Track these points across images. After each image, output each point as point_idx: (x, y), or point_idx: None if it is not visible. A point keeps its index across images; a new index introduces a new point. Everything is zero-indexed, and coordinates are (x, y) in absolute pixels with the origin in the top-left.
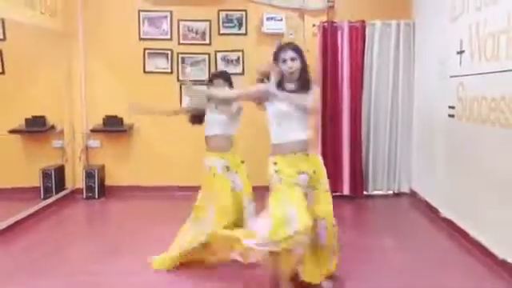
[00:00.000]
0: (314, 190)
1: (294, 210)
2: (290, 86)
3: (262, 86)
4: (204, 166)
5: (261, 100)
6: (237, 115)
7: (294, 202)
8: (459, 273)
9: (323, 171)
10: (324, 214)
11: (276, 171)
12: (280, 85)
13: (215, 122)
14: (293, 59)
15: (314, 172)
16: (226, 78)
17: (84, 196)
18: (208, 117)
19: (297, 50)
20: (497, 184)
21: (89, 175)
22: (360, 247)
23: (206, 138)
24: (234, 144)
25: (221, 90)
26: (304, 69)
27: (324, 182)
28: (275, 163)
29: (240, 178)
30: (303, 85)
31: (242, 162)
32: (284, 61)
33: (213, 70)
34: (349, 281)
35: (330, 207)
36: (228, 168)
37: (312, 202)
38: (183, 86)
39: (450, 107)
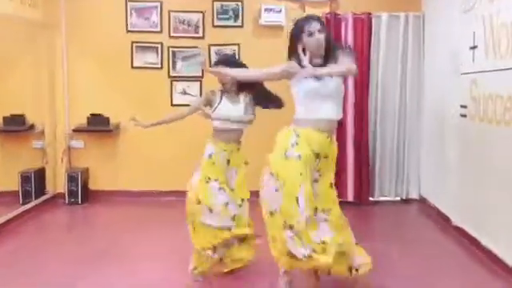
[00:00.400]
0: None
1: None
2: (317, 61)
3: (286, 64)
4: (204, 152)
5: (288, 77)
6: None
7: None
8: (469, 283)
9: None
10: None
11: (296, 143)
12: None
13: (229, 115)
14: (320, 31)
15: (326, 157)
16: (231, 63)
17: (66, 201)
18: (222, 109)
19: (321, 21)
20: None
21: (71, 179)
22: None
23: (216, 128)
24: (241, 141)
25: (241, 71)
26: (329, 42)
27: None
28: (298, 135)
29: (236, 177)
30: (330, 57)
31: (246, 163)
32: (310, 34)
33: (207, 65)
34: None
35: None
36: (228, 162)
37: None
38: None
39: (462, 106)
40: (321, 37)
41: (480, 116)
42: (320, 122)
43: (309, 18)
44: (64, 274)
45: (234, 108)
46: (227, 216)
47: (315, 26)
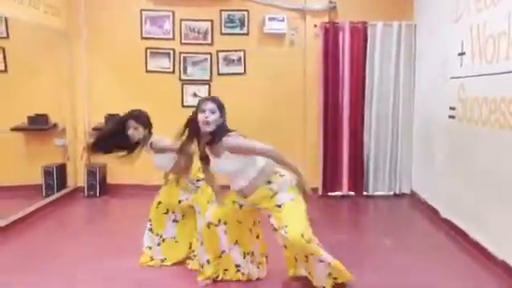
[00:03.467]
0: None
1: None
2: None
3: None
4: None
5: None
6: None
7: None
8: (458, 273)
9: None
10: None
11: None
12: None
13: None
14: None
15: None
16: (137, 118)
17: (85, 194)
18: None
19: (218, 103)
20: (496, 185)
21: (90, 173)
22: (358, 246)
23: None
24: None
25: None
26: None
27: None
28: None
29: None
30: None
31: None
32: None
33: (215, 69)
34: None
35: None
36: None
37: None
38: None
39: (450, 108)
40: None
41: (467, 117)
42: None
43: (208, 99)
44: (85, 265)
45: None
46: None
47: (209, 105)
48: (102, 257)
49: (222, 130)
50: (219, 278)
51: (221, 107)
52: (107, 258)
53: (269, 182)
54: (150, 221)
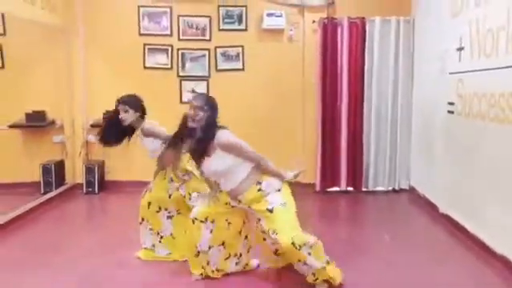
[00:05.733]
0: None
1: None
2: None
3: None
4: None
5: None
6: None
7: None
8: (457, 267)
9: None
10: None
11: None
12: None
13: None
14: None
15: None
16: (125, 101)
17: (84, 191)
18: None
19: (205, 101)
20: (495, 180)
21: (89, 170)
22: (357, 241)
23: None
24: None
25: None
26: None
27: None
28: None
29: None
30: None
31: None
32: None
33: (213, 65)
34: (346, 273)
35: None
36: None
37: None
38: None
39: (449, 103)
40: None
41: (466, 112)
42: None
43: (197, 96)
44: (84, 261)
45: None
46: None
47: (197, 102)
48: (103, 253)
49: (211, 127)
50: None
51: (210, 104)
52: (108, 255)
53: (259, 183)
54: (143, 220)
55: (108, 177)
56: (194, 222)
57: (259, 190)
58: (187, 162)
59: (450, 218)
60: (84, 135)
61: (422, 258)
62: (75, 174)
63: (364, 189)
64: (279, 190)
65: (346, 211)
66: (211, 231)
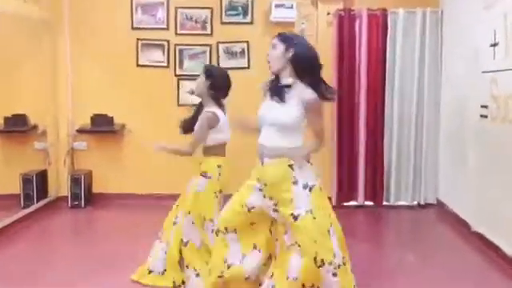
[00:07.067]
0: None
1: None
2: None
3: None
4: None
5: None
6: None
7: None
8: None
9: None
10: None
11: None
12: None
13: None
14: (273, 46)
15: (266, 185)
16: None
17: (69, 204)
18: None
19: (283, 37)
20: None
21: (74, 181)
22: (379, 262)
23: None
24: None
25: None
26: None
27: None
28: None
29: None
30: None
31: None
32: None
33: (215, 63)
34: None
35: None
36: None
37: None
38: None
39: (482, 106)
40: (270, 53)
41: (501, 116)
42: (258, 146)
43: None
44: (67, 282)
45: None
46: None
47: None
48: (88, 273)
49: (305, 69)
50: None
51: (290, 40)
52: (93, 275)
53: (291, 166)
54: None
55: (96, 189)
56: (217, 234)
57: (290, 172)
58: None
59: (482, 237)
60: (69, 142)
61: (450, 283)
62: (59, 185)
63: (385, 203)
64: (310, 190)
65: (366, 229)
66: (237, 240)
